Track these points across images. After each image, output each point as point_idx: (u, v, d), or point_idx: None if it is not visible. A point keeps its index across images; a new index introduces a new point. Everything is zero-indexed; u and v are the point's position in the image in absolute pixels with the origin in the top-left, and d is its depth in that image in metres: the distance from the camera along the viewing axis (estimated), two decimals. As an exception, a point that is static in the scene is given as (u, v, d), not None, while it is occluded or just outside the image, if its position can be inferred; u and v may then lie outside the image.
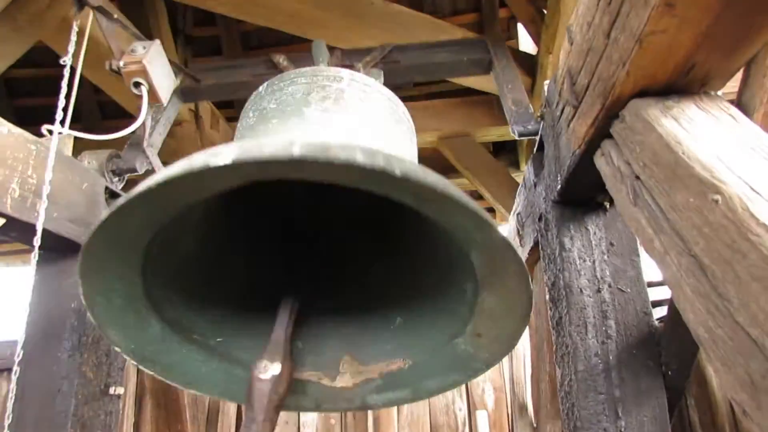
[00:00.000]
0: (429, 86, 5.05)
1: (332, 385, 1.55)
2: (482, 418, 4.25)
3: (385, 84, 2.17)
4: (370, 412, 4.49)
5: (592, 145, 1.32)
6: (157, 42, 1.97)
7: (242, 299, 1.65)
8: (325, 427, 4.65)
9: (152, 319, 1.39)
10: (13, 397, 1.55)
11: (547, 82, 1.67)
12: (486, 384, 4.62)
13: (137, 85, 1.86)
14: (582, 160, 1.40)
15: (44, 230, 1.62)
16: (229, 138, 4.93)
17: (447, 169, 4.93)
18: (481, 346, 1.50)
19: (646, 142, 1.00)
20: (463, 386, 4.64)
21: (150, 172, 2.12)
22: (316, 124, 1.44)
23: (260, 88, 1.67)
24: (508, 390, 4.42)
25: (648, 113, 1.01)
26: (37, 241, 1.46)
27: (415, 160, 1.66)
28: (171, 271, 1.43)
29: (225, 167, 0.92)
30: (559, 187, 1.62)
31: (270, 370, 1.27)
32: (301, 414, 4.68)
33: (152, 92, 1.87)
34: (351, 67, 2.07)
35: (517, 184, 4.78)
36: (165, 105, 2.03)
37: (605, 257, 1.65)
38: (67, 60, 1.78)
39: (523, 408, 2.67)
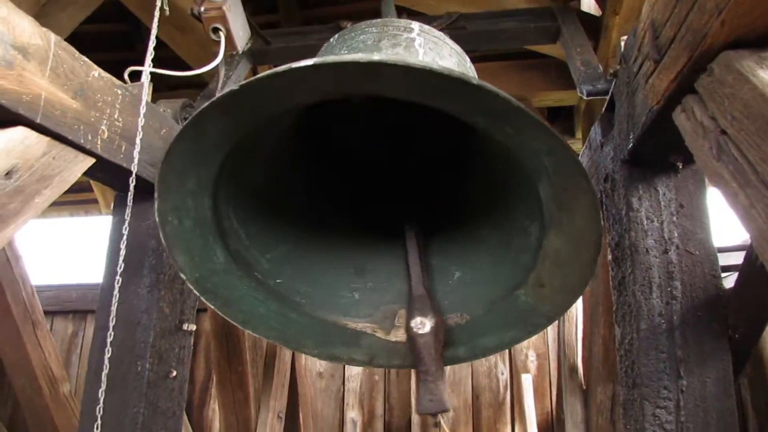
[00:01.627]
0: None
1: (386, 338, 1.60)
2: (526, 381, 4.30)
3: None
4: (413, 374, 4.58)
5: (671, 101, 1.31)
6: None
7: (305, 242, 1.70)
8: (369, 382, 4.77)
9: (218, 248, 1.46)
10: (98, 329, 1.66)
11: (624, 37, 1.64)
12: (529, 351, 4.66)
13: (216, 30, 1.91)
14: (659, 116, 1.39)
15: (126, 171, 1.71)
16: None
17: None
18: (543, 297, 1.51)
19: (737, 94, 0.99)
20: (507, 351, 4.69)
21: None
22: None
23: (331, 39, 1.69)
24: (554, 354, 4.44)
25: (741, 65, 0.99)
26: (132, 180, 1.54)
27: None
28: (240, 200, 1.48)
29: (306, 72, 0.96)
30: (630, 146, 1.61)
31: (427, 324, 1.38)
32: (347, 368, 4.82)
33: (229, 39, 1.92)
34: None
35: (573, 150, 4.74)
36: (240, 51, 2.08)
37: (674, 218, 1.63)
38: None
39: (573, 370, 2.69)
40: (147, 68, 1.62)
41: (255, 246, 1.57)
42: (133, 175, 1.52)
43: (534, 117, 1.04)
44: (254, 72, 4.32)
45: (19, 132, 1.34)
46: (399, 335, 1.58)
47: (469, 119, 1.12)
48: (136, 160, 1.55)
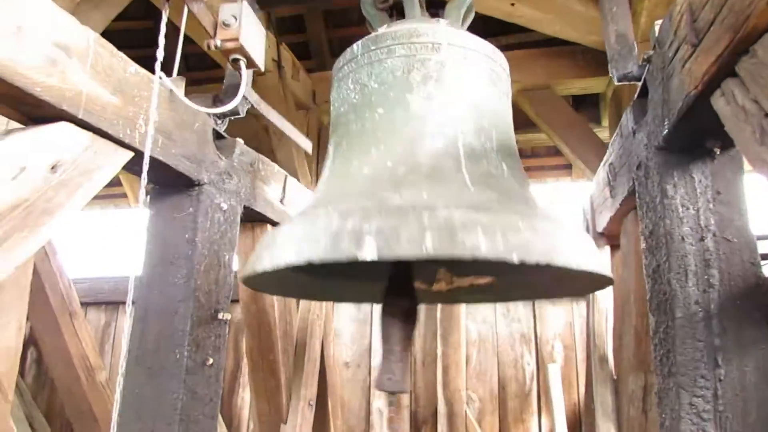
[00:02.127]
0: (508, 36, 4.93)
1: (428, 289, 1.68)
2: (554, 371, 4.28)
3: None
4: (439, 362, 4.59)
5: (710, 86, 1.29)
6: (245, 4, 1.94)
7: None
8: (395, 371, 4.79)
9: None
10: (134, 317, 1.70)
11: (658, 22, 1.62)
12: (555, 341, 4.64)
13: (235, 61, 1.91)
14: (696, 101, 1.37)
15: (162, 164, 1.74)
16: (309, 89, 5.02)
17: (525, 123, 4.84)
18: (563, 286, 1.63)
19: (782, 77, 0.98)
20: (533, 342, 4.68)
21: (251, 112, 2.19)
22: (420, 122, 1.46)
23: (354, 49, 1.65)
24: (582, 345, 4.42)
25: (786, 47, 0.98)
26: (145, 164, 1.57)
27: (510, 118, 1.67)
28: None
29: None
30: (665, 132, 1.59)
31: (401, 306, 1.40)
32: (372, 359, 4.85)
33: (250, 63, 1.92)
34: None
35: (599, 138, 4.69)
36: (263, 69, 2.06)
37: (710, 206, 1.62)
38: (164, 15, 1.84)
39: (603, 360, 2.68)
40: (160, 73, 1.64)
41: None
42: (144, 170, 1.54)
43: (576, 267, 1.17)
44: (277, 46, 4.32)
45: (63, 127, 1.38)
46: (439, 286, 1.68)
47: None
48: (148, 144, 1.58)
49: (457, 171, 1.35)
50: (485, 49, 1.63)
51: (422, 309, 1.63)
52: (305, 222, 1.20)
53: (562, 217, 1.64)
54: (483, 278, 1.56)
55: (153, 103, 1.58)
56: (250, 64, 1.96)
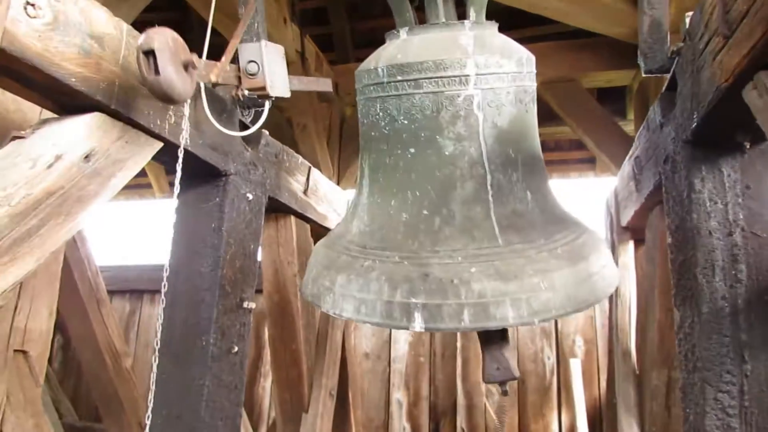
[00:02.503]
0: (533, 28, 4.88)
1: None
2: (575, 366, 4.27)
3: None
4: (459, 355, 4.60)
5: (742, 78, 1.28)
6: (266, 45, 1.85)
7: None
8: (414, 364, 4.82)
9: None
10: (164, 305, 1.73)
11: (689, 14, 1.60)
12: (576, 336, 4.62)
13: (262, 101, 1.91)
14: (727, 94, 1.36)
15: (190, 154, 1.77)
16: (332, 81, 5.02)
17: (549, 116, 4.80)
18: None
19: (817, 70, 0.97)
20: (553, 336, 4.66)
21: (275, 102, 2.20)
22: (452, 165, 1.54)
23: (379, 72, 1.62)
24: (603, 339, 4.39)
25: (822, 40, 0.97)
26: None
27: (536, 131, 1.67)
28: None
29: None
30: (693, 125, 1.58)
31: None
32: (392, 350, 4.87)
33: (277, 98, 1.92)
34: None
35: (624, 132, 4.63)
36: (288, 96, 2.03)
37: (739, 200, 1.60)
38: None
39: (626, 355, 2.66)
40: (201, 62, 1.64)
41: None
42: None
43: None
44: (301, 39, 4.32)
45: (96, 117, 1.41)
46: None
47: None
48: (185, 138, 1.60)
49: (486, 219, 1.50)
50: (512, 64, 1.59)
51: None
52: (358, 276, 1.47)
53: (581, 217, 1.65)
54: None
55: (203, 97, 1.59)
56: (278, 99, 1.95)
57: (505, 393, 1.55)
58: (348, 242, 1.59)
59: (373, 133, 1.66)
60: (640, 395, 2.58)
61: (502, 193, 1.54)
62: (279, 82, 1.89)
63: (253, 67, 1.81)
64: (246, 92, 1.83)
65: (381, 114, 1.63)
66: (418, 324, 1.35)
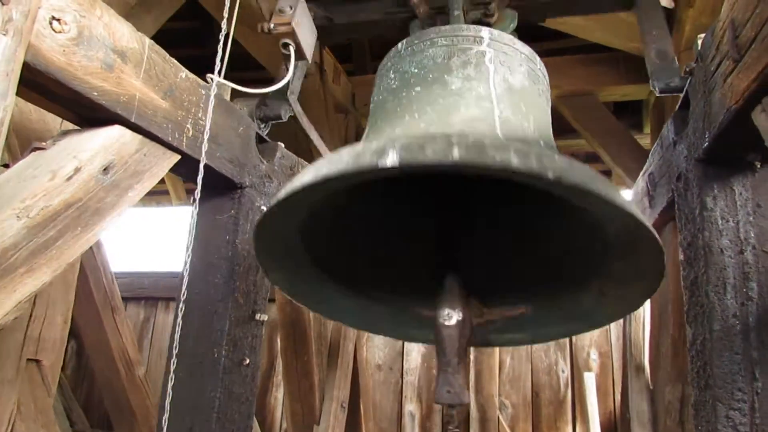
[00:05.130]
0: (550, 42, 4.90)
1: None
2: (590, 379, 4.24)
3: (519, 21, 2.13)
4: (472, 367, 4.59)
5: (751, 101, 1.29)
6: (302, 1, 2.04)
7: (382, 263, 1.78)
8: (427, 376, 4.81)
9: (307, 264, 1.56)
10: (180, 315, 1.76)
11: (701, 35, 1.61)
12: (591, 349, 4.59)
13: (285, 45, 1.97)
14: (737, 116, 1.37)
15: (207, 167, 1.80)
16: (349, 92, 5.07)
17: (565, 130, 4.80)
18: (605, 303, 1.55)
19: (823, 94, 0.98)
20: (568, 349, 4.63)
21: (293, 118, 2.24)
22: (457, 96, 1.46)
23: (399, 46, 1.69)
24: (618, 353, 4.36)
25: (828, 64, 0.97)
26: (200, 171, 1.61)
27: (549, 118, 1.67)
28: (323, 239, 1.58)
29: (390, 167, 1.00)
30: (705, 144, 1.58)
31: (453, 317, 1.42)
32: (405, 362, 4.87)
33: (299, 51, 1.98)
34: (485, 4, 2.04)
35: (640, 146, 4.62)
36: (309, 61, 2.13)
37: (750, 218, 1.60)
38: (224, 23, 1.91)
39: (640, 370, 2.65)
40: (215, 77, 1.69)
41: (339, 263, 1.67)
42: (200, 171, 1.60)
43: (610, 198, 1.03)
44: (320, 50, 4.38)
45: (116, 130, 1.45)
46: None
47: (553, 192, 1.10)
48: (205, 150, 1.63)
49: (491, 131, 1.32)
50: (525, 50, 1.64)
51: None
52: (330, 156, 1.15)
53: None
54: (516, 309, 1.56)
55: (209, 109, 1.64)
56: (299, 53, 2.03)
57: (450, 416, 1.50)
58: None
59: (380, 97, 1.63)
60: (653, 411, 2.57)
61: (511, 125, 1.39)
62: (305, 33, 2.03)
63: (285, 8, 1.98)
64: (273, 26, 1.97)
65: (393, 75, 1.62)
66: (390, 158, 0.99)
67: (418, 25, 1.98)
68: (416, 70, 1.56)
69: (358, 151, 1.06)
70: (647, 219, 1.45)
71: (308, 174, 1.09)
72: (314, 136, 2.37)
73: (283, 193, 1.14)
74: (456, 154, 0.96)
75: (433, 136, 1.03)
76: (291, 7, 2.01)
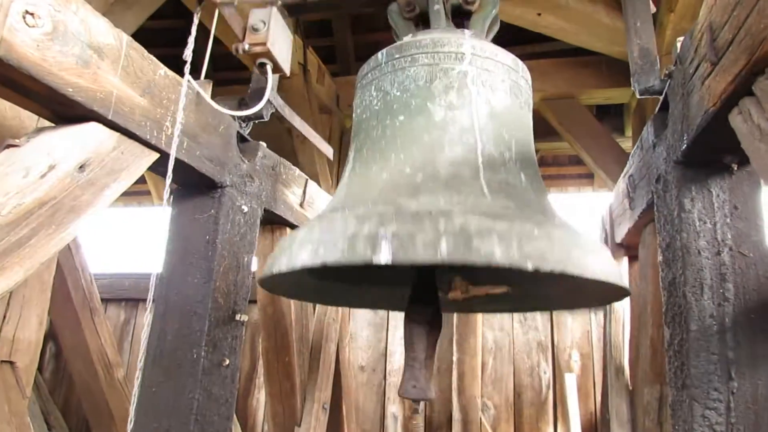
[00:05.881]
0: (534, 45, 4.93)
1: (444, 297, 1.69)
2: (570, 380, 4.26)
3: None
4: (454, 369, 4.59)
5: (728, 104, 1.30)
6: (275, 10, 1.97)
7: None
8: (410, 377, 4.79)
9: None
10: (154, 316, 1.75)
11: (680, 38, 1.62)
12: (573, 350, 4.61)
13: (262, 65, 1.94)
14: (715, 119, 1.38)
15: (186, 166, 1.78)
16: (333, 93, 5.06)
17: (548, 132, 4.83)
18: (581, 296, 1.63)
19: (797, 97, 0.99)
20: (550, 350, 4.65)
21: (275, 115, 2.22)
22: (441, 130, 1.47)
23: (379, 57, 1.68)
24: (599, 354, 4.38)
25: (802, 67, 0.99)
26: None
27: (530, 129, 1.68)
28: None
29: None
30: (684, 147, 1.59)
31: (424, 313, 1.44)
32: (388, 363, 4.86)
33: (276, 68, 1.95)
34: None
35: (621, 149, 4.66)
36: (288, 74, 2.09)
37: (728, 220, 1.62)
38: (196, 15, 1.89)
39: (619, 371, 2.67)
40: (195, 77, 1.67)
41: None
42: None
43: (595, 276, 1.19)
44: (304, 50, 4.36)
45: (92, 128, 1.42)
46: (455, 294, 1.66)
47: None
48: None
49: (474, 179, 1.36)
50: (508, 60, 1.65)
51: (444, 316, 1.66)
52: (322, 225, 1.22)
53: (581, 227, 1.65)
54: (498, 288, 1.57)
55: (180, 106, 1.62)
56: (276, 68, 1.99)
57: (415, 411, 1.53)
58: (318, 217, 1.49)
59: (364, 115, 1.63)
60: (632, 411, 2.58)
61: (494, 163, 1.43)
62: (281, 48, 1.97)
63: (258, 24, 1.91)
64: (246, 47, 1.90)
65: (375, 93, 1.62)
66: (384, 255, 1.08)
67: (396, 10, 1.92)
68: (398, 93, 1.57)
69: (352, 233, 1.13)
70: (623, 276, 1.59)
71: (305, 252, 1.19)
72: (297, 121, 2.34)
73: (276, 269, 1.25)
74: (444, 250, 1.07)
75: (422, 225, 1.11)
76: (264, 23, 1.92)
